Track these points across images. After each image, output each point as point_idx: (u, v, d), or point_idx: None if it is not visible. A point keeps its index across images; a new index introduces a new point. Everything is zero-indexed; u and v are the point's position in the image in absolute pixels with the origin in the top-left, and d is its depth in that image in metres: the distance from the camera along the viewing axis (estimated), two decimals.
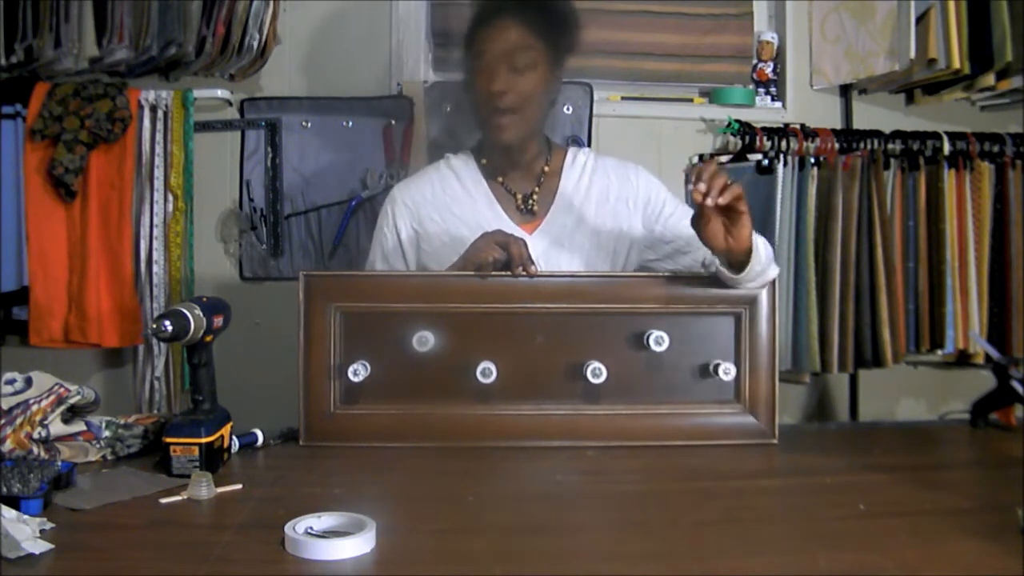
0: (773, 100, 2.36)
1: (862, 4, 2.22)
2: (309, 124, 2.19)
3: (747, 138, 2.23)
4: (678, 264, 1.46)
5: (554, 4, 1.46)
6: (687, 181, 1.16)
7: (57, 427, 1.11)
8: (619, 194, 1.49)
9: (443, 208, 1.49)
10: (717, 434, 1.26)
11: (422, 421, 1.25)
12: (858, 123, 2.36)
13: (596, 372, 1.22)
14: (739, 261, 1.22)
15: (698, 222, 1.21)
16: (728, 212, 1.18)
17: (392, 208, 1.51)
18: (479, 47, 1.41)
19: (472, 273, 1.31)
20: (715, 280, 1.30)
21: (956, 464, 1.25)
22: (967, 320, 2.20)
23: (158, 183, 2.08)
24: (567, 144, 1.66)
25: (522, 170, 1.50)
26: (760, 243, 1.24)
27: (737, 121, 2.24)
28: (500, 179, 1.50)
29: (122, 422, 1.18)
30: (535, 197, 1.49)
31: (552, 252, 1.44)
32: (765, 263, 1.25)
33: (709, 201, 1.13)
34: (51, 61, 1.99)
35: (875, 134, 2.26)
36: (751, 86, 2.35)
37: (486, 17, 1.42)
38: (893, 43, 2.15)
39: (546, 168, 1.51)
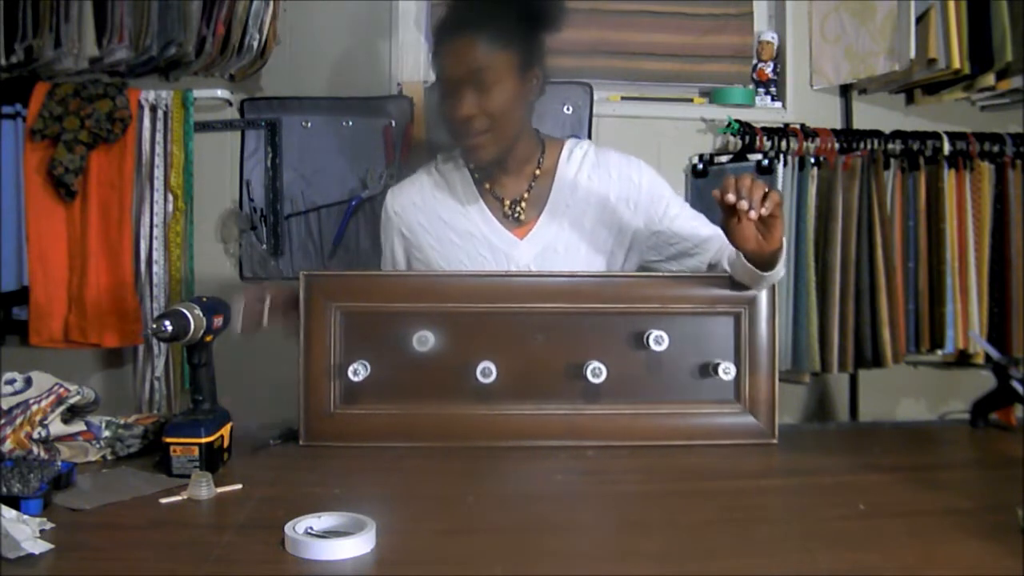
0: (773, 100, 2.36)
1: (862, 4, 2.22)
2: (309, 124, 2.19)
3: (747, 138, 2.23)
4: (683, 266, 1.45)
5: (514, 4, 1.38)
6: (725, 192, 1.15)
7: (57, 427, 1.11)
8: (619, 194, 1.45)
9: (431, 214, 1.47)
10: (717, 434, 1.26)
11: (422, 421, 1.25)
12: (858, 123, 2.36)
13: (596, 372, 1.22)
14: (765, 261, 1.22)
15: (727, 223, 1.20)
16: (763, 217, 1.17)
17: (384, 217, 1.52)
18: (441, 70, 1.36)
19: (474, 272, 1.31)
20: (714, 280, 1.30)
21: (956, 464, 1.25)
22: (967, 320, 2.20)
23: (158, 183, 2.08)
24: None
25: (511, 174, 1.46)
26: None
27: (737, 121, 2.24)
28: (488, 185, 1.47)
29: (122, 422, 1.18)
30: (523, 205, 1.45)
31: (547, 256, 1.42)
32: (781, 267, 1.26)
33: (753, 214, 1.14)
34: (51, 61, 1.99)
35: (875, 134, 2.26)
36: (751, 86, 2.35)
37: (444, 35, 1.36)
38: (893, 43, 2.14)
39: (537, 171, 1.46)
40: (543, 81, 1.43)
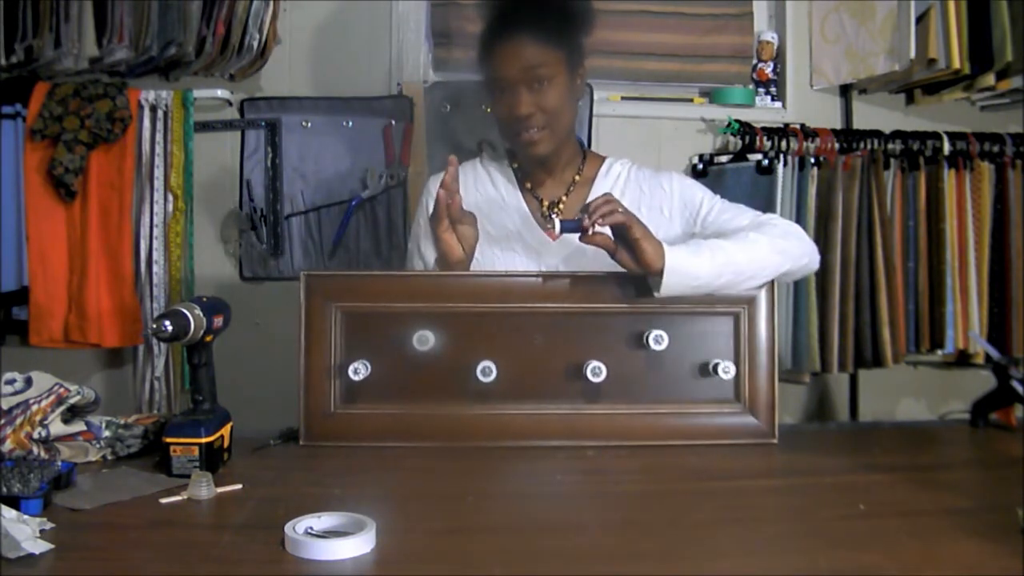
0: (773, 100, 2.36)
1: (862, 4, 2.22)
2: (309, 124, 2.19)
3: (747, 138, 2.23)
4: None
5: (562, 4, 1.42)
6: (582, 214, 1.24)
7: (57, 427, 1.11)
8: (651, 203, 1.47)
9: (473, 207, 1.47)
10: (717, 434, 1.26)
11: (422, 421, 1.25)
12: (858, 123, 2.36)
13: (596, 371, 1.23)
14: (656, 281, 1.23)
15: (612, 255, 1.25)
16: (625, 241, 1.23)
17: (426, 199, 1.52)
18: (496, 71, 1.37)
19: (474, 272, 1.31)
20: None
21: (956, 464, 1.25)
22: (967, 320, 2.20)
23: (158, 183, 2.08)
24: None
25: (554, 176, 1.50)
26: (687, 263, 1.23)
27: (737, 121, 2.24)
28: (529, 184, 1.51)
29: (122, 422, 1.18)
30: (561, 206, 1.48)
31: (575, 258, 1.43)
32: (707, 279, 1.24)
33: (590, 231, 1.22)
34: (51, 61, 1.99)
35: (875, 134, 2.26)
36: (751, 86, 2.35)
37: (497, 35, 1.38)
38: (893, 43, 2.15)
39: (577, 176, 1.51)
40: (584, 81, 1.48)
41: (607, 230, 1.24)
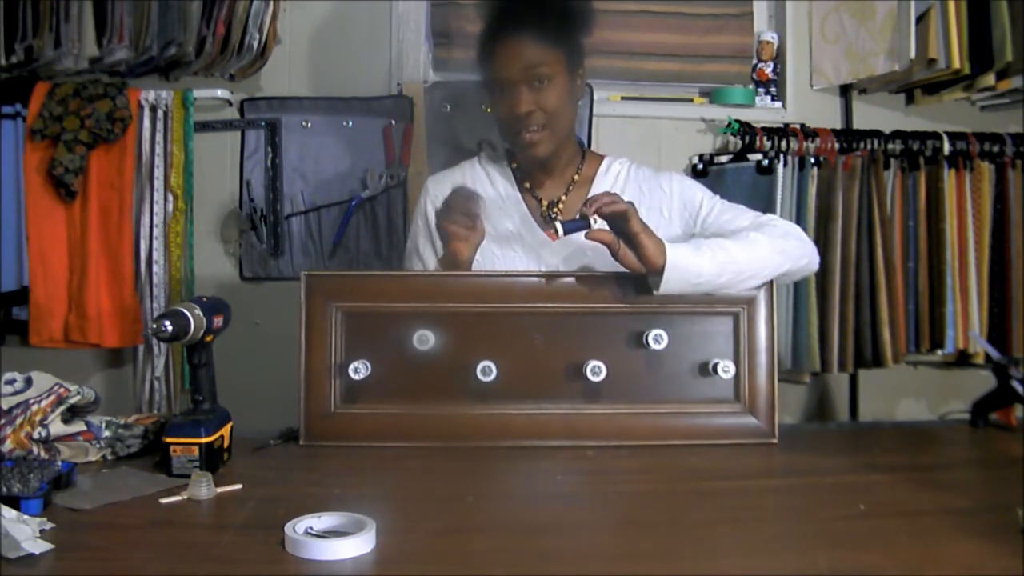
0: (773, 100, 2.36)
1: (862, 4, 2.22)
2: (309, 124, 2.19)
3: (747, 138, 2.23)
4: None
5: (562, 4, 1.42)
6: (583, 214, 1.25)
7: (57, 427, 1.11)
8: (650, 204, 1.46)
9: None
10: (717, 434, 1.26)
11: (422, 421, 1.25)
12: (858, 123, 2.36)
13: (596, 370, 1.23)
14: (656, 279, 1.24)
15: (614, 254, 1.25)
16: (626, 238, 1.23)
17: (424, 200, 1.52)
18: (496, 70, 1.37)
19: (474, 272, 1.31)
20: None
21: (956, 464, 1.25)
22: (967, 320, 2.20)
23: (158, 183, 2.08)
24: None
25: (553, 176, 1.50)
26: (688, 261, 1.23)
27: (737, 121, 2.24)
28: (528, 184, 1.50)
29: (122, 422, 1.18)
30: (561, 206, 1.48)
31: (575, 258, 1.42)
32: (708, 277, 1.24)
33: (592, 224, 1.22)
34: (51, 61, 1.99)
35: (875, 134, 2.26)
36: (751, 86, 2.35)
37: (497, 35, 1.38)
38: (893, 43, 2.15)
39: (576, 176, 1.50)
40: (584, 81, 1.49)
41: (607, 227, 1.24)
